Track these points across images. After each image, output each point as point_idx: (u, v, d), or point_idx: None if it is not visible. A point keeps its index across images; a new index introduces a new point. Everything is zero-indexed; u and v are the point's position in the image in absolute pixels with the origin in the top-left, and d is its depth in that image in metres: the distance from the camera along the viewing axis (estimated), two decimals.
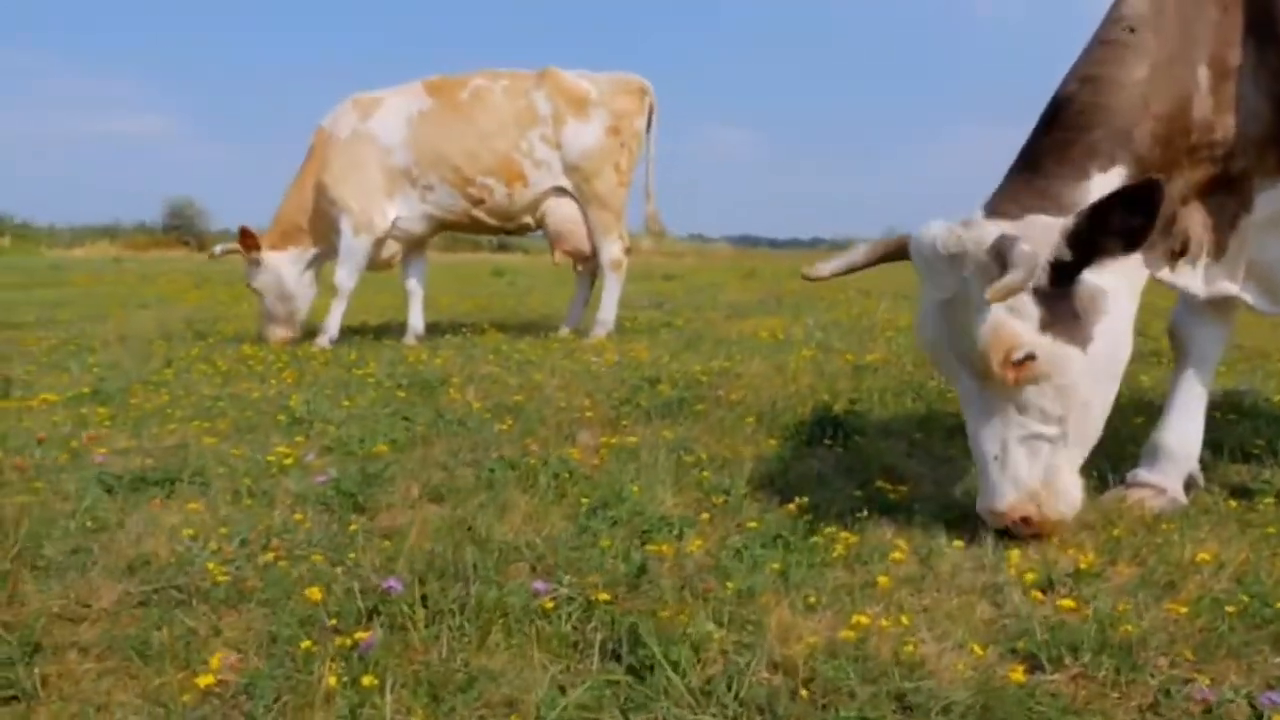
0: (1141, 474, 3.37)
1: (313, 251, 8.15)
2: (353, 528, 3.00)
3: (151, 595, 2.50)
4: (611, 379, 5.75)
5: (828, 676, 2.05)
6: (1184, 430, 3.36)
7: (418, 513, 3.21)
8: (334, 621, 2.29)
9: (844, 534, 2.93)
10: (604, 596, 2.39)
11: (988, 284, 2.64)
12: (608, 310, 8.08)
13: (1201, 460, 3.45)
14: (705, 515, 3.19)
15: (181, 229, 39.99)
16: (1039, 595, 2.47)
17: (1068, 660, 2.14)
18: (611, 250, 7.98)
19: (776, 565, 2.67)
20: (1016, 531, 2.88)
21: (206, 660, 2.13)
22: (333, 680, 1.99)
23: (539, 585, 2.45)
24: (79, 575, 2.64)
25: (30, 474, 3.69)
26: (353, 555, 2.70)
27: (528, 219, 7.94)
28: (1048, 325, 2.78)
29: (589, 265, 8.31)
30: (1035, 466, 2.86)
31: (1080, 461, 2.93)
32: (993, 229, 2.77)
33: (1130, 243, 2.74)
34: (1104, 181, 2.89)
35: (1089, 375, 2.85)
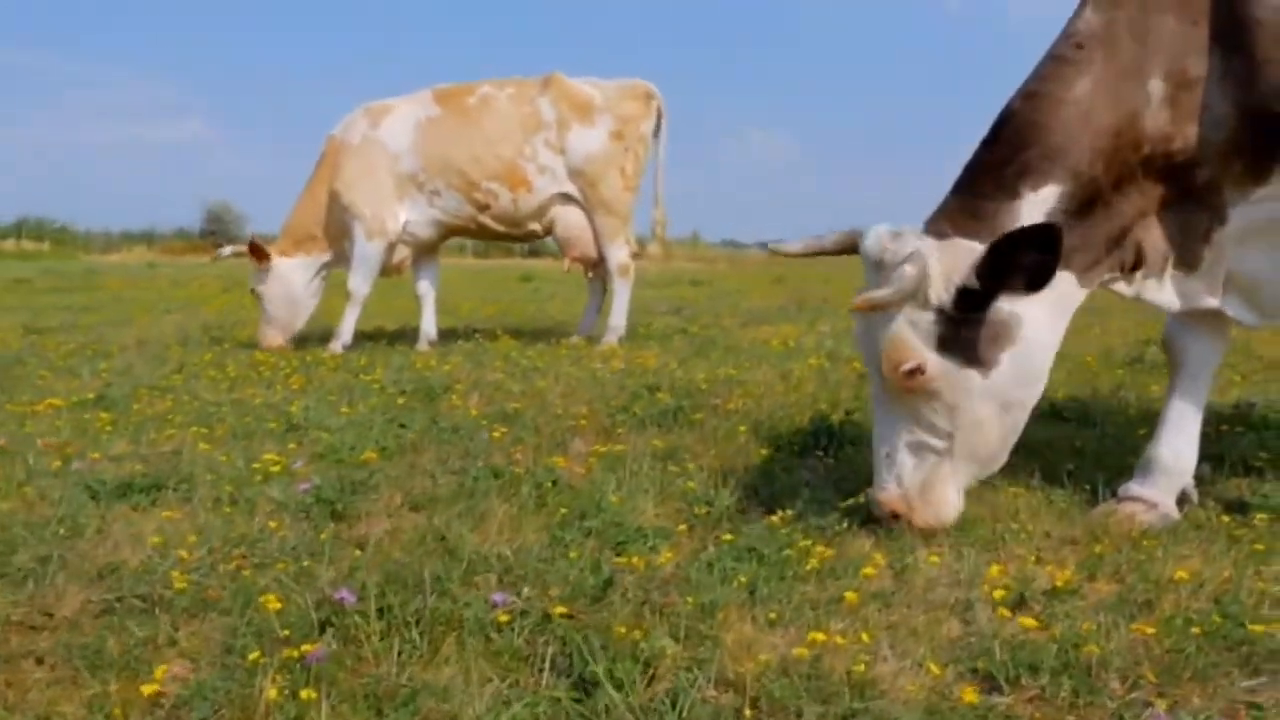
0: (1133, 488, 3.31)
1: (324, 258, 8.17)
2: (323, 536, 2.99)
3: (115, 604, 2.50)
4: (614, 386, 5.73)
5: (775, 695, 2.01)
6: (1178, 444, 3.29)
7: (394, 521, 3.21)
8: (286, 633, 2.28)
9: (819, 547, 2.88)
10: (561, 610, 2.37)
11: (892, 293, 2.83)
12: (618, 316, 8.06)
13: (1199, 475, 3.39)
14: (684, 526, 3.16)
15: (218, 234, 40.35)
16: (1005, 613, 2.41)
17: (1026, 681, 2.09)
18: (617, 255, 7.95)
19: (744, 579, 2.63)
20: (887, 521, 3.02)
21: (154, 670, 2.12)
22: (274, 693, 1.98)
23: (497, 597, 2.43)
24: (45, 583, 2.65)
25: (18, 479, 3.71)
26: (308, 564, 2.68)
27: (535, 225, 7.94)
28: (946, 346, 2.86)
29: (599, 272, 8.30)
30: (918, 472, 2.98)
31: (969, 478, 3.03)
32: (913, 244, 2.84)
33: (1034, 281, 2.78)
34: (1035, 200, 2.90)
35: (987, 398, 2.92)
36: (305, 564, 2.71)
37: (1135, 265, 3.08)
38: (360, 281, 7.99)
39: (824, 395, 5.26)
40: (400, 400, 5.44)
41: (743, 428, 4.43)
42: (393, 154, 7.87)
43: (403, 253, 8.24)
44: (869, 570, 2.69)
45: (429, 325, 8.27)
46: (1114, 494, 3.33)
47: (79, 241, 37.54)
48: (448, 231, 8.13)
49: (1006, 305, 2.86)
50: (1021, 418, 3.03)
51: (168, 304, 13.35)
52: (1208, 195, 3.02)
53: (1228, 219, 3.03)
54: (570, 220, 7.97)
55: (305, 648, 2.14)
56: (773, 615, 2.42)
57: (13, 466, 3.91)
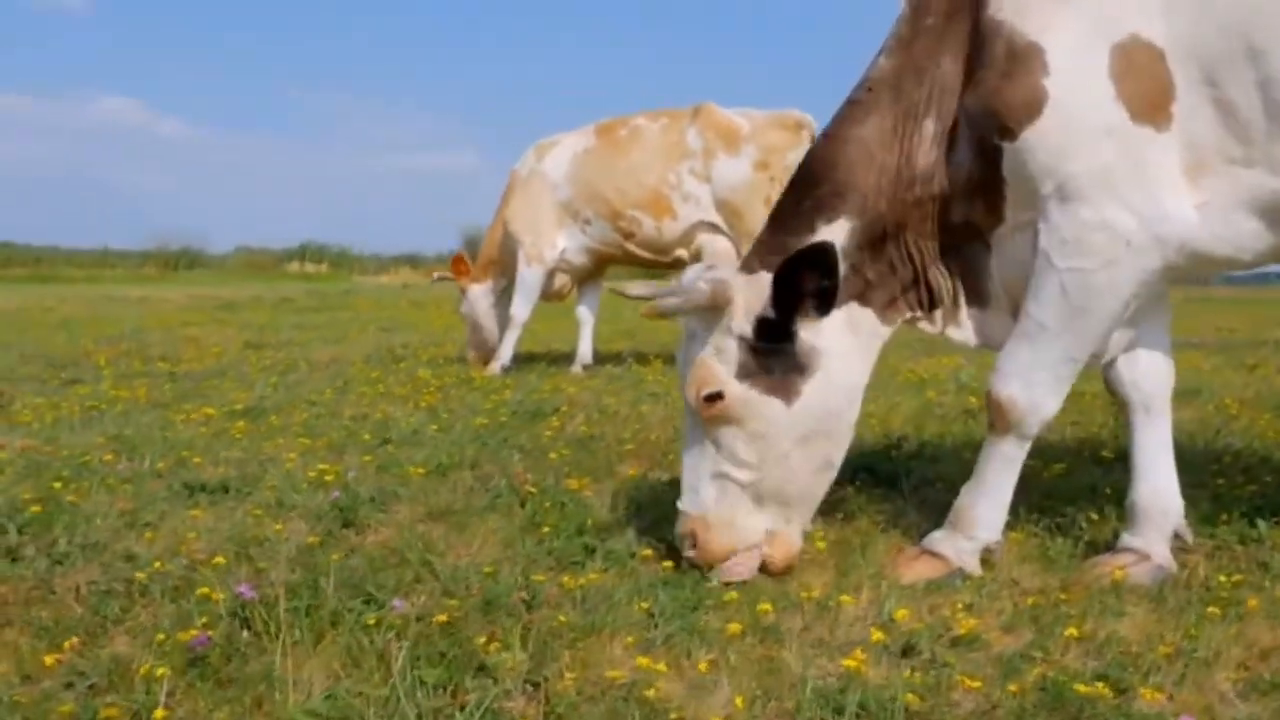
0: (1124, 539, 3.14)
1: (502, 283, 8.75)
2: (311, 540, 3.30)
3: (90, 585, 2.90)
4: None
5: (560, 713, 2.12)
6: (1154, 484, 3.12)
7: (395, 531, 3.48)
8: (203, 619, 2.58)
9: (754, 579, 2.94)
10: (442, 619, 2.55)
11: (704, 326, 3.03)
12: None
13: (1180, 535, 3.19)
14: (649, 551, 3.25)
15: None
16: (860, 656, 2.38)
17: None
18: None
19: (646, 605, 2.73)
20: (686, 550, 3.06)
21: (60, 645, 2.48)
22: (144, 669, 2.28)
23: (396, 603, 2.64)
24: (69, 564, 3.09)
25: (124, 476, 4.27)
26: (221, 560, 3.00)
27: (682, 252, 8.13)
28: (748, 375, 2.98)
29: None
30: (718, 502, 3.03)
31: (782, 519, 3.04)
32: (721, 277, 3.02)
33: (822, 304, 2.94)
34: (828, 234, 3.02)
35: (790, 430, 2.99)
36: (219, 560, 3.03)
37: (934, 303, 3.11)
38: (520, 306, 8.46)
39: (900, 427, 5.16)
40: (503, 419, 5.76)
41: None
42: (552, 184, 8.31)
43: (563, 279, 8.64)
44: (765, 606, 2.71)
45: (585, 349, 8.63)
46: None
47: (354, 264, 40.96)
48: (601, 259, 8.47)
49: (808, 338, 2.99)
50: (831, 455, 3.07)
51: (392, 323, 14.44)
52: (974, 230, 3.04)
53: (997, 252, 3.04)
54: (719, 249, 8.10)
55: (192, 632, 2.43)
56: (637, 639, 2.51)
57: (130, 464, 4.50)
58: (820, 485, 3.12)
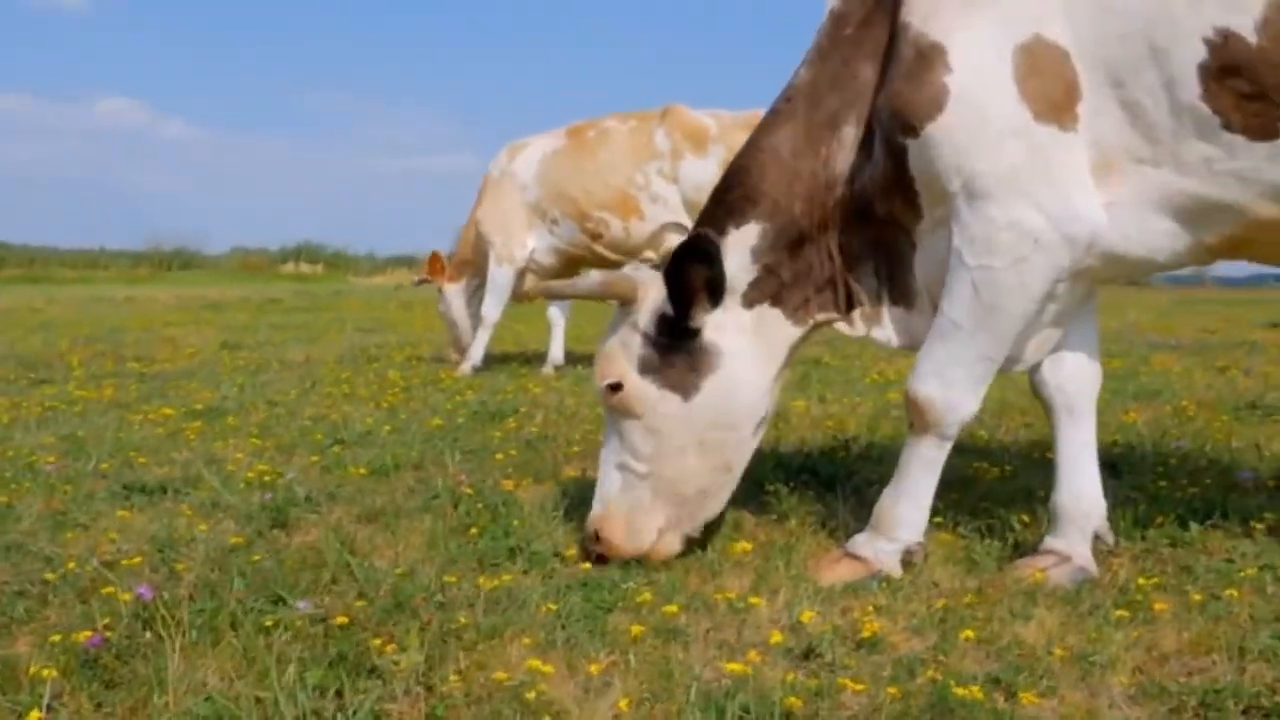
0: (1047, 541, 3.13)
1: (475, 283, 8.77)
2: (233, 540, 3.29)
3: (3, 585, 2.89)
4: None
5: (442, 715, 2.11)
6: (1077, 487, 3.12)
7: (324, 532, 3.47)
8: (106, 620, 2.57)
9: (668, 579, 2.93)
10: (342, 620, 2.54)
11: (623, 319, 3.16)
12: None
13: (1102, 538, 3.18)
14: (573, 551, 3.25)
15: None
16: (754, 657, 2.37)
17: None
18: None
19: (554, 606, 2.72)
20: (590, 542, 3.16)
21: None
22: (32, 669, 2.27)
23: (301, 605, 2.64)
24: None
25: (65, 478, 4.26)
26: (136, 561, 2.99)
27: (650, 253, 8.11)
28: (649, 369, 3.09)
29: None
30: (620, 494, 3.13)
31: (680, 519, 3.12)
32: (638, 274, 3.18)
33: (714, 295, 3.02)
34: (739, 236, 3.12)
35: (685, 426, 3.08)
36: (127, 563, 3.03)
37: (851, 304, 3.18)
38: (491, 306, 8.46)
39: (788, 432, 5.15)
40: (460, 421, 5.75)
41: None
42: (521, 185, 8.32)
43: (532, 280, 8.64)
44: (673, 608, 2.69)
45: (556, 350, 8.64)
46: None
47: (349, 265, 40.90)
48: (570, 260, 8.46)
49: (711, 336, 3.07)
50: (732, 457, 3.13)
51: (374, 324, 14.41)
52: (900, 232, 3.05)
53: (919, 251, 3.06)
54: None
55: (87, 633, 2.42)
56: (538, 641, 2.50)
57: (74, 467, 4.48)
58: (718, 487, 3.16)
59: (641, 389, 3.08)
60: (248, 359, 9.14)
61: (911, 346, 3.17)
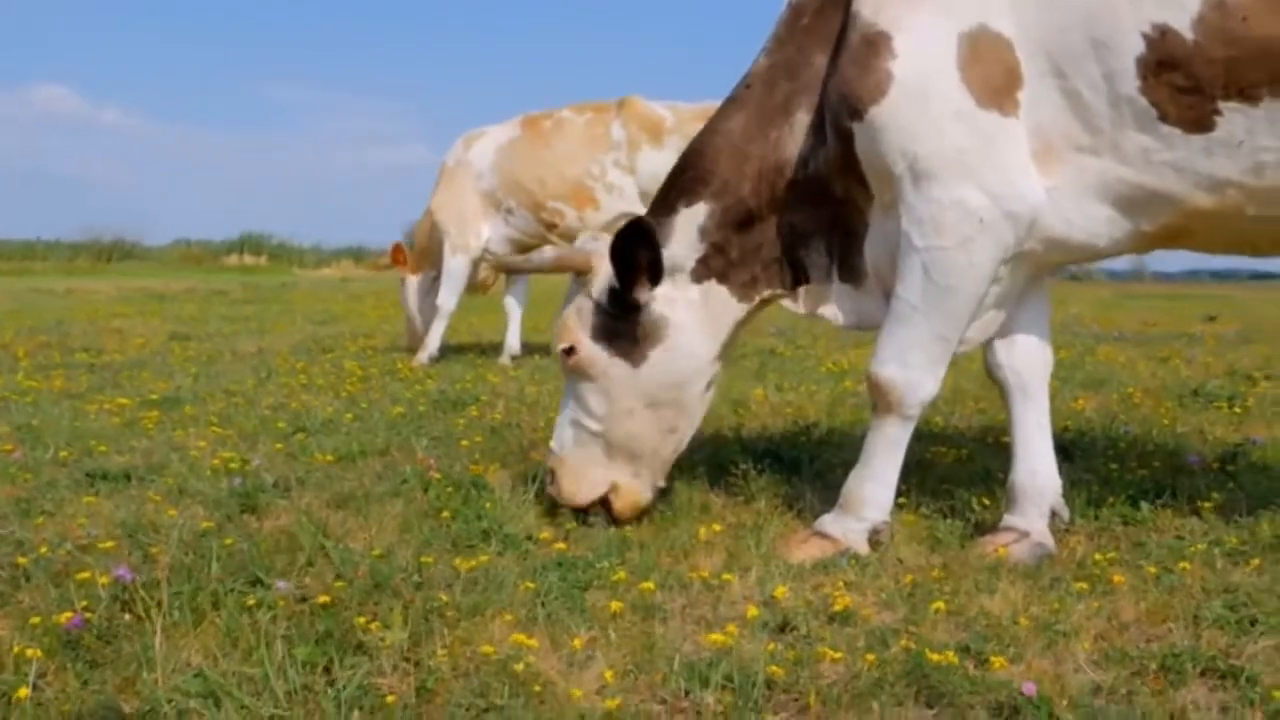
0: (1006, 518, 3.23)
1: (433, 275, 8.74)
2: (205, 525, 3.28)
3: None
4: None
5: (431, 688, 2.15)
6: (1031, 465, 3.24)
7: (296, 517, 3.47)
8: (84, 602, 2.56)
9: (641, 558, 2.98)
10: (324, 599, 2.56)
11: (579, 289, 3.42)
12: None
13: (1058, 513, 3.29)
14: (547, 534, 3.29)
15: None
16: (733, 629, 2.43)
17: (695, 695, 2.14)
18: None
19: (532, 585, 2.76)
20: (548, 483, 3.47)
21: None
22: (16, 649, 2.27)
23: (280, 585, 2.65)
24: None
25: (21, 465, 4.21)
26: (109, 545, 2.99)
27: None
28: (600, 335, 3.31)
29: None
30: (573, 447, 3.40)
31: (622, 469, 3.36)
32: (594, 246, 3.40)
33: (654, 274, 3.21)
34: (688, 215, 3.30)
35: (634, 391, 3.30)
36: (105, 545, 3.02)
37: (798, 281, 3.33)
38: (446, 296, 8.44)
39: (746, 418, 5.24)
40: (422, 409, 5.76)
41: None
42: (476, 174, 8.32)
43: (486, 271, 8.65)
44: (650, 585, 2.75)
45: (513, 340, 8.66)
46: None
47: (295, 257, 40.33)
48: (525, 250, 8.45)
49: (660, 309, 3.28)
50: (675, 421, 3.36)
51: (326, 315, 14.27)
52: (851, 212, 3.20)
53: (869, 232, 3.19)
54: None
55: (68, 614, 2.42)
56: (519, 617, 2.54)
57: (32, 455, 4.43)
58: (665, 447, 3.39)
59: (593, 354, 3.31)
60: (199, 350, 9.04)
61: (858, 325, 3.32)
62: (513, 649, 2.31)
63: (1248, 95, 2.72)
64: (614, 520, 3.39)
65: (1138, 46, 2.76)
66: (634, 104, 8.09)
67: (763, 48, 3.35)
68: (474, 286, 8.68)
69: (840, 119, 3.06)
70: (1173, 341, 10.33)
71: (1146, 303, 20.05)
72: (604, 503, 3.41)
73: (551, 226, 8.11)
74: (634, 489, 3.39)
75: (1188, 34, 2.72)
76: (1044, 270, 3.30)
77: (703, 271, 3.31)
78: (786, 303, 3.38)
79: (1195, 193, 2.87)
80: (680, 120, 8.00)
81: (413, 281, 8.87)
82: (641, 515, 3.44)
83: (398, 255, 8.93)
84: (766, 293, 3.34)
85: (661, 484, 3.48)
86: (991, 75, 2.89)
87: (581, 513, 3.42)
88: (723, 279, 3.31)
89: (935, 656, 2.20)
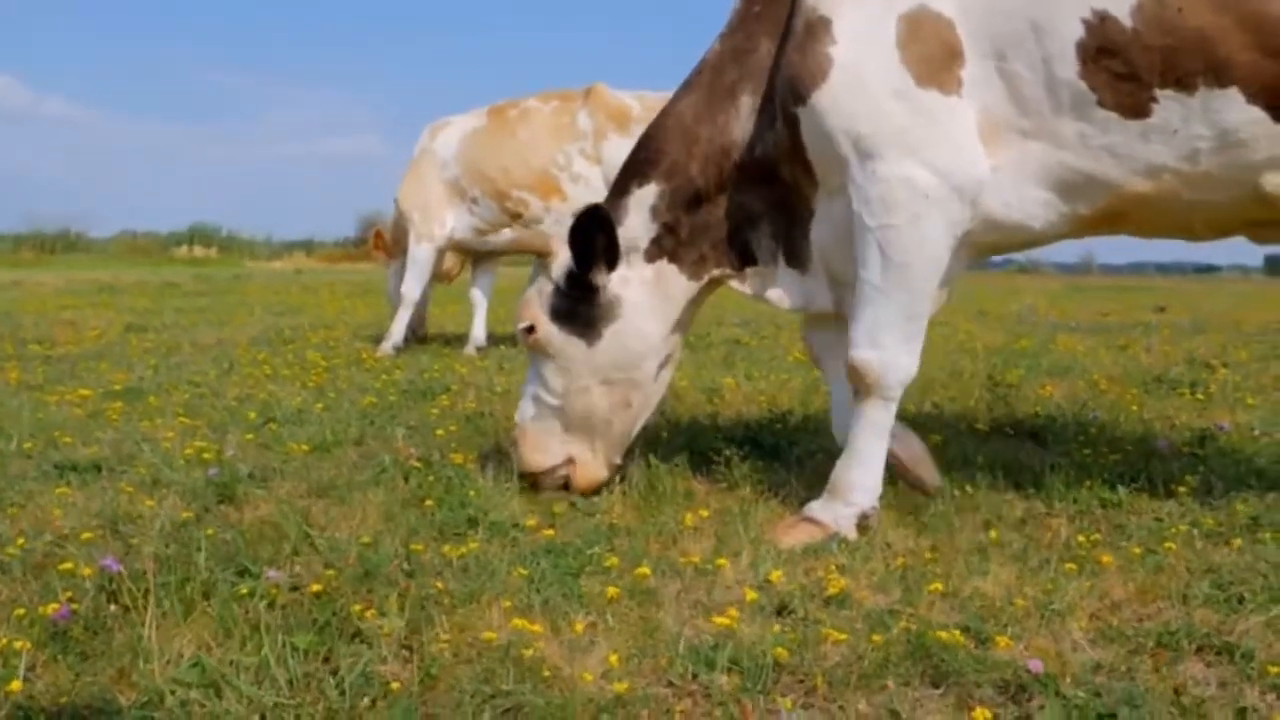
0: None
1: (402, 262, 8.68)
2: (185, 515, 3.22)
3: None
4: None
5: (435, 674, 2.12)
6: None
7: (276, 506, 3.42)
8: (68, 594, 2.50)
9: (631, 545, 2.97)
10: (317, 588, 2.52)
11: (541, 269, 3.55)
12: None
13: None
14: (533, 521, 3.27)
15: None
16: (734, 613, 2.43)
17: (701, 678, 2.14)
18: None
19: (525, 572, 2.74)
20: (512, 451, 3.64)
21: None
22: (3, 641, 2.21)
23: (271, 573, 2.60)
24: None
25: None
26: (89, 536, 2.92)
27: None
28: (558, 315, 3.44)
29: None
30: (535, 419, 3.55)
31: (579, 444, 3.51)
32: (555, 229, 3.38)
33: (610, 258, 3.34)
34: (639, 195, 3.41)
35: (590, 368, 3.44)
36: (86, 536, 2.98)
37: (746, 263, 3.42)
38: (411, 284, 8.36)
39: (723, 403, 5.26)
40: (392, 398, 5.70)
41: (664, 432, 4.47)
42: (441, 163, 8.24)
43: (452, 260, 8.58)
44: (644, 570, 2.74)
45: (479, 331, 8.60)
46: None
47: (245, 249, 39.79)
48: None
49: (615, 289, 3.40)
50: (630, 397, 3.50)
51: (282, 307, 14.08)
52: (797, 197, 3.28)
53: (815, 218, 3.28)
54: None
55: (54, 606, 2.36)
56: (515, 604, 2.52)
57: None
58: (622, 423, 3.52)
59: (551, 333, 3.45)
60: (156, 341, 8.88)
61: (804, 308, 3.41)
62: (514, 634, 2.28)
63: (1183, 84, 2.78)
64: (572, 491, 3.55)
65: (1078, 32, 2.83)
66: (601, 93, 8.06)
67: (719, 34, 3.44)
68: (439, 276, 8.60)
69: (786, 104, 3.13)
70: (1128, 331, 10.50)
71: (1097, 294, 20.37)
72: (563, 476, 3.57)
73: (516, 216, 8.06)
74: (590, 463, 3.54)
75: (1127, 21, 2.79)
76: (980, 254, 3.36)
77: (655, 251, 3.42)
78: (734, 284, 3.48)
79: (1131, 178, 2.94)
80: (647, 109, 7.95)
81: (391, 268, 8.90)
82: (598, 489, 3.57)
83: (379, 241, 8.89)
84: (715, 272, 3.44)
85: (618, 460, 3.61)
86: (930, 54, 2.95)
87: (536, 486, 3.57)
88: (673, 258, 3.42)
89: (942, 635, 2.21)
